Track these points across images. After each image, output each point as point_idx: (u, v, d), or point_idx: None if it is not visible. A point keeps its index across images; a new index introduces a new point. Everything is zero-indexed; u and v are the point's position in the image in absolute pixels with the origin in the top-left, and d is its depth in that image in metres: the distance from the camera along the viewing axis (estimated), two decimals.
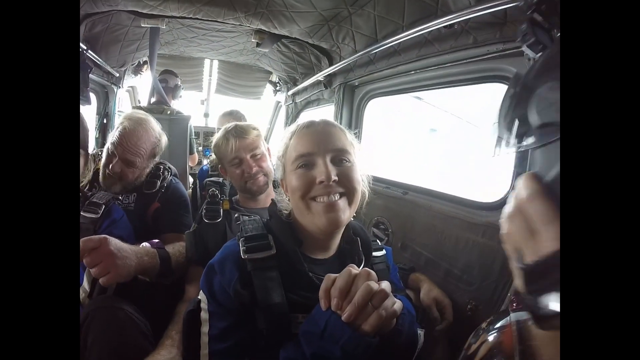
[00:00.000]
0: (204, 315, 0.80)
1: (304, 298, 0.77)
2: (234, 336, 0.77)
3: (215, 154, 1.46)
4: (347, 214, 0.79)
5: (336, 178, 0.77)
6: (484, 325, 0.79)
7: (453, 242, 1.29)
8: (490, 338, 0.70)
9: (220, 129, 1.46)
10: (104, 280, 0.91)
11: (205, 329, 0.79)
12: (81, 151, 1.15)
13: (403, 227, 1.57)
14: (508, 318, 0.69)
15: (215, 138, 1.44)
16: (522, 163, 1.07)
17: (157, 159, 1.53)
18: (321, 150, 0.79)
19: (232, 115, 2.75)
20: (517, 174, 1.09)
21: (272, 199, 0.92)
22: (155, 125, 1.50)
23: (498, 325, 0.71)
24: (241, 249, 0.80)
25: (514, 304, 0.73)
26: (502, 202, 1.15)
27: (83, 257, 0.88)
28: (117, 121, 1.46)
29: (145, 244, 1.12)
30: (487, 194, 1.30)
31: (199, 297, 0.84)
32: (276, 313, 0.74)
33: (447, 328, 1.10)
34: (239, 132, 1.37)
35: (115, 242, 0.94)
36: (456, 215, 1.31)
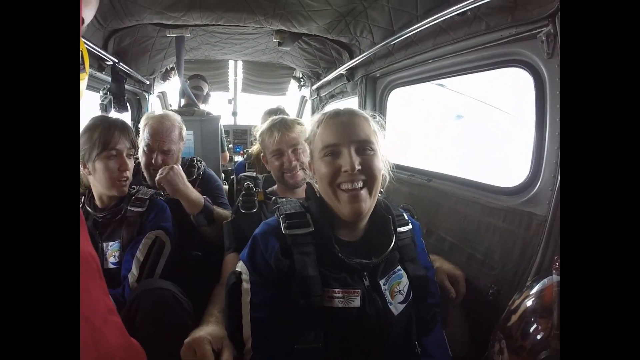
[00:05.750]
0: (245, 285, 0.88)
1: (335, 274, 0.86)
2: (274, 305, 0.85)
3: (259, 143, 1.53)
4: (368, 203, 0.86)
5: (359, 167, 0.84)
6: (528, 282, 0.85)
7: (475, 227, 1.31)
8: (533, 295, 0.77)
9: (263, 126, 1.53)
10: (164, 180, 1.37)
11: (247, 298, 0.86)
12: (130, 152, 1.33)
13: (427, 214, 1.59)
14: (551, 278, 0.75)
15: (261, 128, 1.51)
16: (539, 148, 1.07)
17: (184, 142, 1.71)
18: (346, 141, 0.86)
19: (276, 113, 2.59)
20: (535, 158, 1.09)
21: (307, 182, 1.00)
22: (174, 115, 1.67)
23: (540, 284, 0.78)
24: (282, 225, 0.89)
25: (557, 264, 0.77)
26: (521, 187, 1.15)
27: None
28: (141, 125, 1.63)
29: None
30: (512, 179, 1.28)
31: (238, 269, 0.91)
32: (311, 285, 0.82)
33: (460, 299, 1.13)
34: (283, 126, 1.41)
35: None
36: (477, 201, 1.32)
